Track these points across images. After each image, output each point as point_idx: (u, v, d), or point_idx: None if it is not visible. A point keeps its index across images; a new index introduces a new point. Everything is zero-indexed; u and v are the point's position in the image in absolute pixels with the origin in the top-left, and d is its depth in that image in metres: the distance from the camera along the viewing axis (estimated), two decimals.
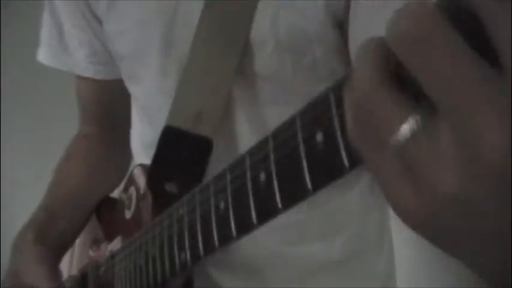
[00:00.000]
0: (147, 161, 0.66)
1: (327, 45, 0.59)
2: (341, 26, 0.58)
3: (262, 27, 0.58)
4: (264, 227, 0.62)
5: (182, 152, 0.62)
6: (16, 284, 0.68)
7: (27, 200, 0.79)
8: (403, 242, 0.80)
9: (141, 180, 0.67)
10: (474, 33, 0.20)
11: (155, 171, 0.64)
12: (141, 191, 0.67)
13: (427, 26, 0.20)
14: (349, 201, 0.69)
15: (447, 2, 0.21)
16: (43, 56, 0.80)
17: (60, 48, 0.78)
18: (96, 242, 0.80)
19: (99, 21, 0.71)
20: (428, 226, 0.21)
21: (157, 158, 0.63)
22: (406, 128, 0.20)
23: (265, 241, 0.66)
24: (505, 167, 0.18)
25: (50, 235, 0.73)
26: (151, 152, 0.64)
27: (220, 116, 0.62)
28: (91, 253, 0.77)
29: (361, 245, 0.71)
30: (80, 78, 0.80)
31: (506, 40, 0.19)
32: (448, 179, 0.19)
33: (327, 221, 0.68)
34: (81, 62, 0.77)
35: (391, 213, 0.76)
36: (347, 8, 0.56)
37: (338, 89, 0.28)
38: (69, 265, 0.85)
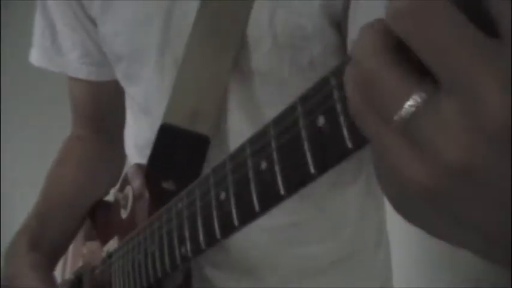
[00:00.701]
0: (142, 161, 0.66)
1: (325, 43, 0.59)
2: (339, 25, 0.58)
3: (259, 24, 0.58)
4: (262, 228, 0.63)
5: (179, 150, 0.62)
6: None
7: (27, 200, 0.79)
8: (400, 243, 0.80)
9: (137, 179, 0.67)
10: (471, 6, 0.20)
11: (152, 170, 0.63)
12: (138, 190, 0.66)
13: (424, 2, 0.20)
14: (346, 202, 0.69)
15: None
16: (35, 57, 0.80)
17: (53, 49, 0.78)
18: (89, 240, 0.79)
19: (93, 23, 0.71)
20: (435, 196, 0.21)
21: (154, 156, 0.63)
22: (411, 104, 0.21)
23: (263, 242, 0.66)
24: (506, 133, 0.19)
25: (43, 241, 0.73)
26: (146, 152, 0.64)
27: (216, 114, 0.61)
28: (84, 250, 0.76)
29: (358, 246, 0.71)
30: (73, 79, 0.80)
31: (505, 11, 0.19)
32: (454, 148, 0.20)
33: (325, 222, 0.68)
34: (73, 62, 0.77)
35: (388, 213, 0.76)
36: (346, 8, 0.55)
37: (339, 73, 0.28)
38: (62, 267, 0.84)
